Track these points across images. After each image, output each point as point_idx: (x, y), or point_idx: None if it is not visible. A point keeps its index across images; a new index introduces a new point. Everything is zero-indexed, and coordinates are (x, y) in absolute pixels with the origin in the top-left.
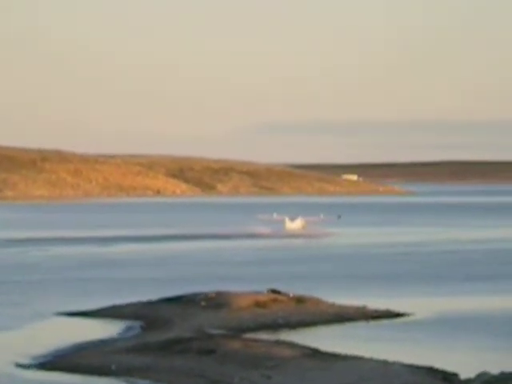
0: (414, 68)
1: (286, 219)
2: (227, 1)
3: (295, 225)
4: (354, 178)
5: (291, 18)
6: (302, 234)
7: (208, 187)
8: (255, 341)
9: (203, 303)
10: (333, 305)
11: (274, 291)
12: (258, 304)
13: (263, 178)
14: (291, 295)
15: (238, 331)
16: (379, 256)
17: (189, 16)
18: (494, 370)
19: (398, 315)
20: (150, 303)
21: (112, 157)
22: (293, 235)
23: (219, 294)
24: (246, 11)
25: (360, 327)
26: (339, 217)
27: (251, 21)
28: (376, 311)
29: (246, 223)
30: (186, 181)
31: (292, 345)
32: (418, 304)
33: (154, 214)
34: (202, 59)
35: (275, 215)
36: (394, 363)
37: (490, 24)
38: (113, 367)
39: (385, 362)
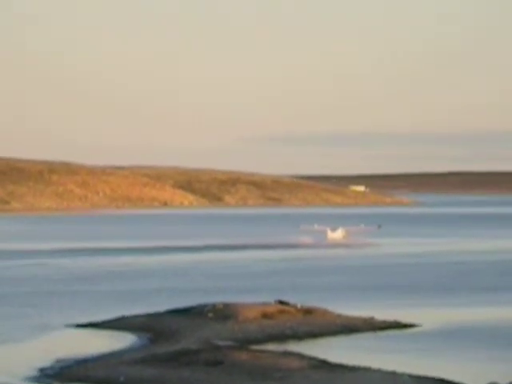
0: (425, 79)
1: (328, 229)
2: (230, 13)
3: (337, 235)
4: (362, 189)
5: (304, 30)
6: (344, 244)
7: (215, 198)
8: (263, 352)
9: (211, 315)
10: (340, 316)
11: (281, 302)
12: (266, 315)
13: (270, 189)
14: (299, 306)
15: (245, 342)
16: (390, 267)
17: (193, 30)
18: (503, 380)
19: (406, 326)
20: (157, 315)
21: (119, 168)
22: (335, 245)
23: (226, 306)
24: (256, 22)
25: (368, 338)
26: (379, 226)
27: (260, 31)
28: (384, 322)
29: (289, 233)
30: (194, 192)
31: (300, 356)
32: (426, 315)
33: (167, 225)
34: (208, 70)
35: (316, 226)
36: (402, 374)
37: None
38: (121, 379)
39: (393, 373)
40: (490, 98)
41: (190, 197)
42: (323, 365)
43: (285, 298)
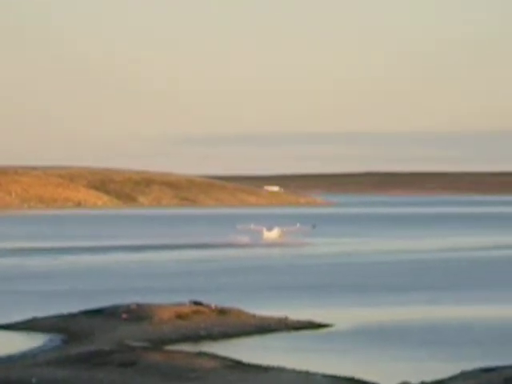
0: (344, 78)
1: (264, 229)
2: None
3: (273, 234)
4: (276, 189)
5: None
6: (279, 243)
7: (129, 199)
8: (177, 353)
9: (124, 315)
10: (255, 316)
11: (196, 303)
12: (180, 316)
13: (184, 189)
14: (213, 307)
15: (159, 343)
16: (313, 267)
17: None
18: (415, 379)
19: (319, 326)
20: (70, 316)
21: (32, 168)
22: (270, 244)
23: (140, 306)
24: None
25: (282, 338)
26: (314, 226)
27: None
28: (298, 322)
29: (226, 233)
30: (107, 193)
31: (214, 356)
32: (339, 315)
33: (80, 226)
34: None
35: (253, 225)
36: (315, 374)
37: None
38: (33, 381)
39: (306, 373)
40: (409, 99)
41: (104, 197)
42: (237, 365)
43: (200, 299)
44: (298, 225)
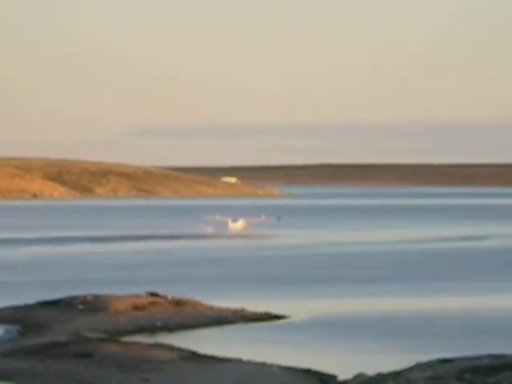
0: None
1: (229, 220)
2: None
3: (238, 225)
4: (233, 180)
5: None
6: (244, 235)
7: (86, 190)
8: (133, 344)
9: (81, 307)
10: (212, 307)
11: (152, 294)
12: (137, 307)
13: (142, 180)
14: (170, 298)
15: (115, 334)
16: (265, 258)
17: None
18: (371, 371)
19: (276, 317)
20: (26, 307)
21: None
22: (234, 236)
23: (97, 298)
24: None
25: (238, 330)
26: (279, 218)
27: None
28: (254, 314)
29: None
30: (64, 184)
31: (170, 348)
32: (296, 306)
33: (36, 217)
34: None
35: (218, 216)
36: (271, 365)
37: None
38: None
39: (263, 365)
40: (358, 90)
41: (61, 188)
42: (194, 356)
43: (157, 290)
44: (263, 216)
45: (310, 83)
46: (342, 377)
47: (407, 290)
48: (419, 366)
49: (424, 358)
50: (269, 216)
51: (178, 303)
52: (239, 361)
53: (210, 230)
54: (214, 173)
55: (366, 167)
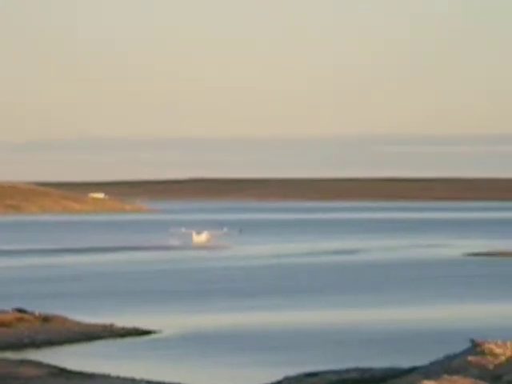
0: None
1: (193, 232)
2: None
3: (201, 238)
4: (101, 196)
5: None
6: (206, 247)
7: None
8: (0, 360)
9: None
10: (80, 323)
11: (19, 310)
12: (3, 323)
13: (8, 196)
14: (37, 314)
15: None
16: (144, 273)
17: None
18: None
19: (145, 333)
20: None
21: None
22: (199, 248)
23: None
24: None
25: (107, 345)
26: (240, 231)
27: None
28: (123, 329)
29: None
30: None
31: (38, 364)
32: (166, 321)
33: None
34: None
35: (183, 229)
36: (141, 381)
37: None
38: None
39: (132, 380)
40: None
41: None
42: (62, 372)
43: (26, 306)
44: (225, 229)
45: (187, 97)
46: None
47: (282, 303)
48: (286, 380)
49: (293, 371)
50: (231, 229)
51: (46, 319)
52: (108, 376)
53: (174, 242)
54: (83, 188)
55: (234, 182)
